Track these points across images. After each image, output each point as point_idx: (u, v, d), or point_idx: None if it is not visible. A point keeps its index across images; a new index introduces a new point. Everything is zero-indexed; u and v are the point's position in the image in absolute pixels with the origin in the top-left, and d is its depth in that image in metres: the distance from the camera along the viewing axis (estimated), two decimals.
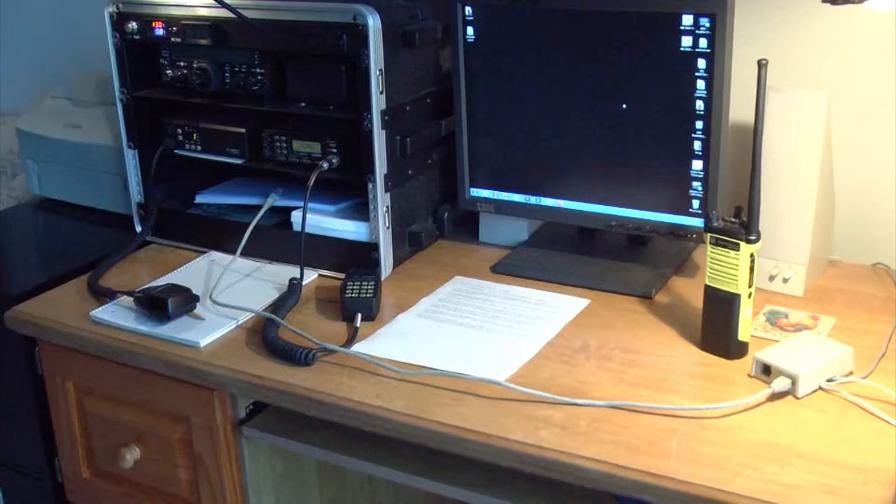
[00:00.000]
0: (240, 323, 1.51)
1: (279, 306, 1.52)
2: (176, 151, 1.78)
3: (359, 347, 1.42)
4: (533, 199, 1.68)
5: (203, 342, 1.46)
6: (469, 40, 1.63)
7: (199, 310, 1.53)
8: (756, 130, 1.33)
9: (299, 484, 1.60)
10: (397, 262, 1.66)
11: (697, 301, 1.42)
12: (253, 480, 1.50)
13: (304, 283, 1.58)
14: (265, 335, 1.44)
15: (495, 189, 1.70)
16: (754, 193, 1.34)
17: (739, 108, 1.53)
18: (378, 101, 1.55)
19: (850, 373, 1.31)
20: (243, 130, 1.71)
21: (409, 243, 1.68)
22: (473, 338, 1.44)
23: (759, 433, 1.20)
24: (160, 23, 1.70)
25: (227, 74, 1.70)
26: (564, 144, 1.62)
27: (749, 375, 1.32)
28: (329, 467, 1.61)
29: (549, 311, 1.50)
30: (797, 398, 1.26)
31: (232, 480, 1.49)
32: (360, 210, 1.65)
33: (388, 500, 1.81)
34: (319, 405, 1.33)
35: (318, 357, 1.39)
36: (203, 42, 1.66)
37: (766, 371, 1.30)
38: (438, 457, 1.30)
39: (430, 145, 1.70)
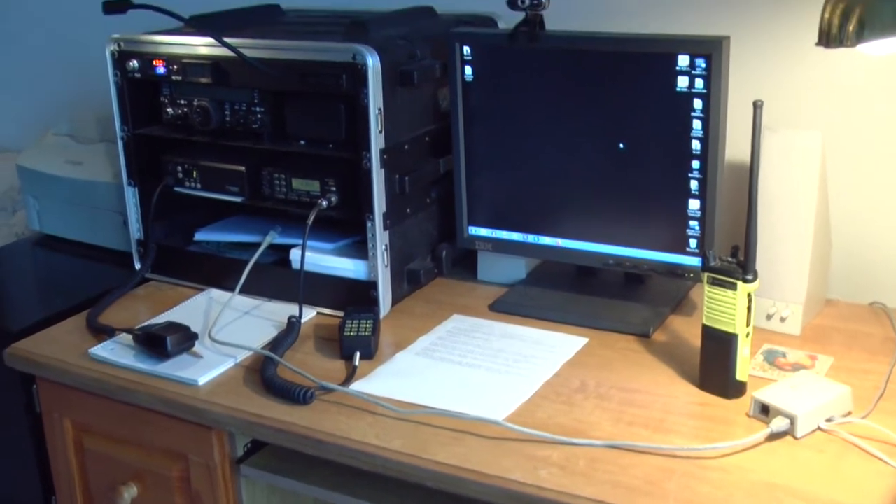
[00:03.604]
0: (238, 361, 1.51)
1: (278, 344, 1.52)
2: (176, 189, 1.79)
3: (357, 386, 1.42)
4: (531, 238, 1.68)
5: (201, 380, 1.46)
6: (467, 79, 1.65)
7: (197, 347, 1.53)
8: (752, 170, 1.34)
9: None
10: (396, 300, 1.66)
11: (695, 340, 1.42)
12: None
13: (302, 321, 1.58)
14: (264, 373, 1.44)
15: (494, 227, 1.71)
16: (751, 233, 1.34)
17: (735, 148, 1.54)
18: (377, 140, 1.56)
19: (849, 413, 1.31)
20: (243, 168, 1.72)
21: (407, 281, 1.69)
22: (472, 377, 1.44)
23: (757, 473, 1.20)
24: (161, 61, 1.71)
25: (227, 112, 1.71)
26: (562, 183, 1.63)
27: (747, 415, 1.32)
28: None
29: (547, 350, 1.51)
30: (796, 438, 1.26)
31: None
32: (359, 248, 1.65)
33: None
34: (318, 444, 1.33)
35: (316, 396, 1.39)
36: (203, 80, 1.67)
37: (765, 411, 1.30)
38: (437, 496, 1.30)
39: (428, 184, 1.70)
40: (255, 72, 1.60)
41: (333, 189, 1.64)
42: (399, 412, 1.34)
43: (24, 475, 1.72)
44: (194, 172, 1.77)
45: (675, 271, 1.57)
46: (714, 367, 1.38)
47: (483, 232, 1.72)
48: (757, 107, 1.31)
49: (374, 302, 1.62)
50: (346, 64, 1.54)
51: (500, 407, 1.34)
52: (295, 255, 1.69)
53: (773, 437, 1.26)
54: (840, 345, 1.50)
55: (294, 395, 1.39)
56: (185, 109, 1.74)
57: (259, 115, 1.68)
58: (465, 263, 1.79)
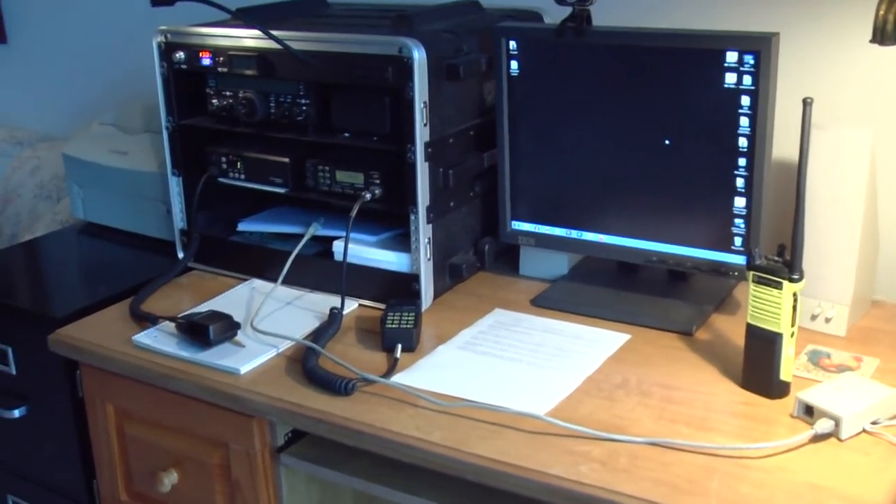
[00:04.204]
0: (280, 351, 1.52)
1: (319, 335, 1.52)
2: (219, 179, 1.80)
3: (398, 378, 1.42)
4: (574, 234, 1.68)
5: (243, 369, 1.47)
6: (513, 74, 1.64)
7: (239, 337, 1.54)
8: (800, 168, 1.32)
9: None
10: (438, 293, 1.66)
11: (738, 339, 1.41)
12: None
13: (344, 312, 1.59)
14: (305, 364, 1.45)
15: (536, 222, 1.70)
16: (798, 231, 1.33)
17: (782, 146, 1.52)
18: (422, 134, 1.56)
19: (895, 416, 1.29)
20: (287, 160, 1.72)
21: (449, 275, 1.69)
22: (513, 371, 1.44)
23: (800, 475, 1.19)
24: (207, 53, 1.72)
25: (271, 104, 1.71)
26: (606, 179, 1.62)
27: (791, 416, 1.31)
28: (366, 497, 1.61)
29: (588, 345, 1.50)
30: (840, 440, 1.25)
31: None
32: (402, 241, 1.65)
33: None
34: (358, 435, 1.33)
35: (357, 387, 1.40)
36: (249, 72, 1.68)
37: (809, 412, 1.29)
38: (476, 490, 1.30)
39: (472, 178, 1.70)
40: (301, 64, 1.61)
41: (377, 181, 1.64)
42: (440, 405, 1.34)
43: (66, 460, 1.75)
44: (238, 163, 1.78)
45: (719, 269, 1.56)
46: (758, 366, 1.36)
47: (526, 227, 1.72)
48: (807, 104, 1.30)
49: (416, 295, 1.62)
50: (393, 57, 1.54)
51: (540, 401, 1.34)
52: (338, 246, 1.69)
53: (818, 438, 1.25)
54: (886, 346, 1.48)
55: (335, 385, 1.39)
56: (231, 101, 1.75)
57: (304, 108, 1.68)
58: (507, 258, 1.79)
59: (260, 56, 1.66)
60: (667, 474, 1.19)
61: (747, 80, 1.46)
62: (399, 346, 1.48)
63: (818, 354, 1.46)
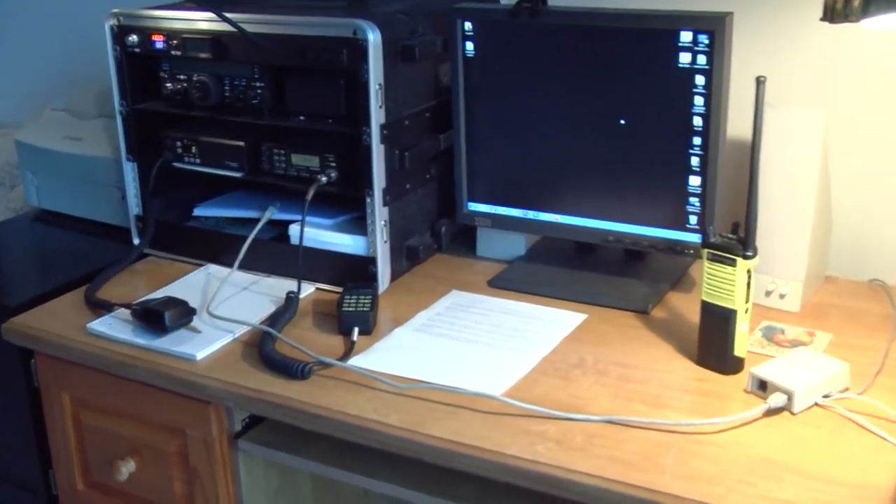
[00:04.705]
0: (237, 336, 1.51)
1: (276, 319, 1.52)
2: (175, 164, 1.78)
3: (355, 361, 1.42)
4: (531, 214, 1.68)
5: (199, 355, 1.46)
6: (468, 55, 1.64)
7: (195, 322, 1.53)
8: (754, 147, 1.33)
9: (294, 497, 1.60)
10: (395, 275, 1.66)
11: (694, 316, 1.42)
12: (248, 494, 1.49)
13: (301, 296, 1.59)
14: (261, 348, 1.44)
15: (493, 203, 1.70)
16: (752, 210, 1.34)
17: (737, 125, 1.53)
18: (377, 116, 1.55)
19: (847, 389, 1.31)
20: (242, 144, 1.71)
21: (406, 257, 1.68)
22: (470, 352, 1.44)
23: (754, 449, 1.20)
24: (160, 36, 1.70)
25: (226, 88, 1.70)
26: (563, 159, 1.62)
27: (745, 391, 1.32)
28: (325, 481, 1.61)
29: (545, 325, 1.51)
30: (793, 414, 1.26)
31: (227, 493, 1.48)
32: (358, 224, 1.65)
33: None
34: (315, 419, 1.33)
35: (314, 371, 1.39)
36: (203, 55, 1.67)
37: (762, 387, 1.30)
38: (435, 471, 1.30)
39: (428, 159, 1.70)
40: (256, 47, 1.59)
41: (333, 164, 1.63)
42: (396, 387, 1.34)
43: (22, 449, 1.72)
44: (193, 148, 1.76)
45: (674, 247, 1.57)
46: (712, 342, 1.37)
47: (482, 208, 1.72)
48: (760, 83, 1.31)
49: (372, 277, 1.61)
50: (347, 39, 1.53)
51: (497, 382, 1.34)
52: (294, 230, 1.68)
53: (771, 412, 1.26)
54: (839, 321, 1.50)
55: (292, 369, 1.39)
56: (185, 85, 1.73)
57: (259, 91, 1.67)
58: (464, 239, 1.79)
59: (214, 39, 1.65)
60: (622, 451, 1.20)
61: (701, 59, 1.47)
62: (356, 330, 1.48)
63: (772, 330, 1.47)
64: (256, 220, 1.70)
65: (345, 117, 1.60)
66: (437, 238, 1.74)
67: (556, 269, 1.68)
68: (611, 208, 1.61)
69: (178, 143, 1.77)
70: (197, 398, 1.44)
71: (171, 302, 1.54)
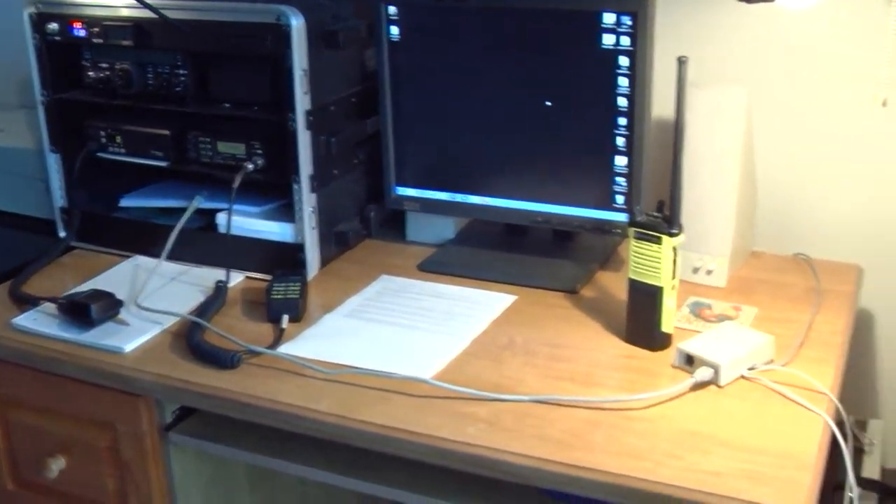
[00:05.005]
0: (165, 327, 1.49)
1: (205, 309, 1.50)
2: (99, 154, 1.75)
3: (285, 349, 1.41)
4: (459, 197, 1.68)
5: (128, 347, 1.44)
6: (393, 39, 1.63)
7: (123, 315, 1.51)
8: (677, 126, 1.35)
9: (228, 488, 1.59)
10: (324, 262, 1.65)
11: (622, 294, 1.43)
12: (181, 486, 1.48)
13: (230, 285, 1.57)
14: (190, 339, 1.43)
15: (421, 187, 1.70)
16: (676, 188, 1.35)
17: (663, 105, 1.54)
18: (302, 102, 1.54)
19: (771, 361, 1.33)
20: (167, 132, 1.69)
21: (335, 243, 1.68)
22: (400, 336, 1.44)
23: (682, 422, 1.21)
24: (81, 23, 1.67)
25: (149, 76, 1.67)
26: (490, 142, 1.63)
27: (672, 366, 1.34)
28: (259, 471, 1.60)
29: (475, 308, 1.51)
30: (719, 387, 1.28)
31: (159, 487, 1.46)
32: (287, 211, 1.63)
33: (319, 501, 1.80)
34: (245, 408, 1.32)
35: (243, 359, 1.38)
36: (125, 43, 1.64)
37: (689, 361, 1.32)
38: (368, 456, 1.29)
39: (355, 145, 1.69)
40: (178, 33, 1.57)
41: (259, 152, 1.62)
42: (326, 373, 1.33)
43: None
44: (118, 137, 1.73)
45: (602, 227, 1.58)
46: (640, 320, 1.39)
47: (411, 192, 1.71)
48: (681, 63, 1.32)
49: (301, 264, 1.60)
50: (271, 25, 1.52)
51: (427, 365, 1.34)
52: (222, 219, 1.67)
53: (697, 386, 1.28)
54: (764, 295, 1.53)
55: (220, 359, 1.37)
56: (107, 73, 1.70)
57: (183, 78, 1.65)
58: (393, 224, 1.79)
59: (136, 26, 1.62)
60: (553, 430, 1.21)
61: (625, 40, 1.48)
62: (285, 317, 1.47)
63: (699, 305, 1.49)
64: (184, 210, 1.68)
65: (270, 104, 1.59)
66: (367, 223, 1.74)
67: (485, 251, 1.69)
68: (539, 190, 1.61)
69: (102, 133, 1.74)
70: (126, 391, 1.42)
71: (98, 295, 1.51)
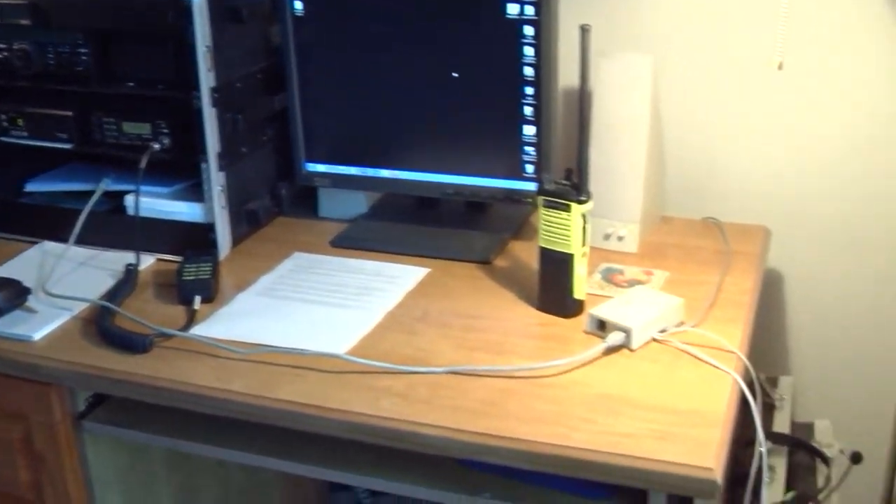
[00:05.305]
0: (75, 313, 1.46)
1: (115, 294, 1.47)
2: (1, 138, 1.70)
3: (197, 330, 1.39)
4: (369, 171, 1.67)
5: (37, 335, 1.40)
6: (297, 14, 1.61)
7: (31, 302, 1.47)
8: (582, 94, 1.35)
9: (147, 475, 1.56)
10: (236, 241, 1.63)
11: (535, 263, 1.44)
12: (97, 475, 1.45)
13: (140, 268, 1.55)
14: (100, 324, 1.40)
15: (331, 163, 1.69)
16: (583, 155, 1.36)
17: (572, 74, 1.54)
18: (207, 79, 1.51)
19: (682, 323, 1.35)
20: (70, 114, 1.65)
21: (246, 222, 1.66)
22: (314, 313, 1.43)
23: (595, 387, 1.23)
24: None
25: (49, 55, 1.63)
26: (399, 115, 1.62)
27: (585, 332, 1.35)
28: (177, 455, 1.58)
29: (388, 281, 1.51)
30: (631, 350, 1.30)
31: (75, 477, 1.44)
32: (196, 191, 1.61)
33: (240, 482, 1.79)
34: (159, 392, 1.30)
35: (155, 343, 1.36)
36: (22, 22, 1.60)
37: (601, 326, 1.33)
38: (287, 435, 1.28)
39: (263, 121, 1.67)
40: (77, 11, 1.54)
41: (165, 131, 1.59)
42: (240, 353, 1.32)
43: None
44: (19, 120, 1.69)
45: (512, 197, 1.59)
46: (552, 287, 1.40)
47: (321, 168, 1.70)
48: (584, 31, 1.33)
49: (212, 244, 1.58)
50: (172, 0, 1.48)
51: (341, 341, 1.34)
52: (130, 201, 1.63)
53: (610, 350, 1.30)
54: (675, 259, 1.55)
55: (132, 343, 1.35)
56: (5, 53, 1.65)
57: (84, 57, 1.61)
58: (305, 201, 1.77)
59: (33, 4, 1.58)
60: (467, 400, 1.21)
61: (529, 10, 1.48)
62: (197, 298, 1.45)
63: (611, 271, 1.51)
64: (92, 193, 1.64)
65: (175, 82, 1.56)
66: (278, 201, 1.72)
67: (398, 225, 1.68)
68: (449, 161, 1.61)
69: (3, 116, 1.69)
70: (37, 381, 1.38)
71: (4, 283, 1.47)
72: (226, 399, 1.26)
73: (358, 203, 1.74)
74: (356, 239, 1.64)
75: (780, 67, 1.45)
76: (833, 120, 1.63)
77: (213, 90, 1.53)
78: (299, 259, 1.60)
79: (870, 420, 1.72)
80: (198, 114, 1.53)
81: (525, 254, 1.58)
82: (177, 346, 1.36)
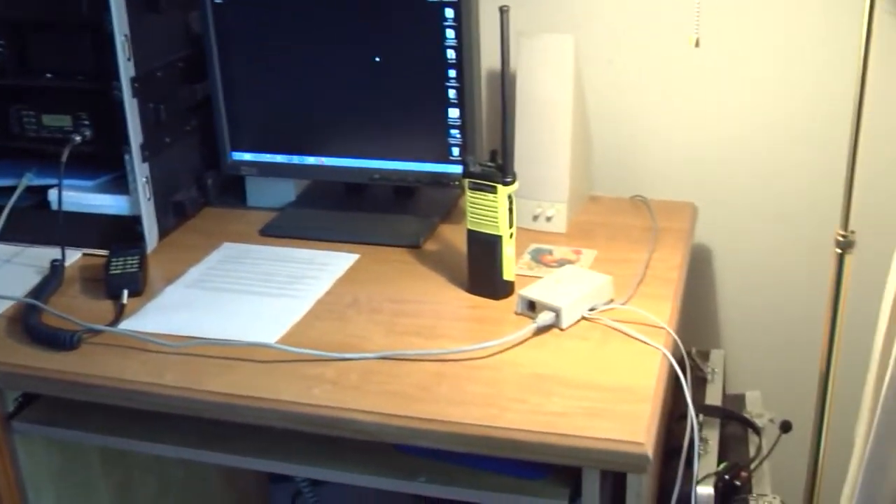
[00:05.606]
0: (0, 312, 1.43)
1: (40, 290, 1.45)
2: None
3: (126, 325, 1.37)
4: (296, 159, 1.66)
5: None
6: (217, 1, 1.59)
7: None
8: (503, 76, 1.36)
9: (82, 474, 1.54)
10: (163, 233, 1.61)
11: (464, 246, 1.44)
12: (30, 477, 1.43)
13: (66, 263, 1.52)
14: (26, 322, 1.38)
15: (257, 151, 1.68)
16: (507, 136, 1.37)
17: (496, 55, 1.55)
18: (126, 69, 1.49)
19: (611, 300, 1.37)
20: None
21: (173, 213, 1.64)
22: (244, 303, 1.42)
23: (526, 367, 1.24)
24: None
25: None
26: (322, 101, 1.61)
27: (516, 313, 1.36)
28: (112, 453, 1.56)
29: (318, 269, 1.50)
30: (562, 329, 1.31)
31: (7, 480, 1.41)
32: (121, 183, 1.59)
33: (178, 477, 1.77)
34: (89, 388, 1.28)
35: (83, 339, 1.34)
36: None
37: (532, 307, 1.34)
38: (219, 427, 1.27)
39: (186, 111, 1.65)
40: None
41: (87, 123, 1.57)
42: (170, 346, 1.31)
43: None
44: None
45: (440, 180, 1.59)
46: (481, 270, 1.41)
47: (247, 156, 1.68)
48: (503, 12, 1.33)
49: (139, 237, 1.56)
50: None
51: (271, 330, 1.33)
52: (53, 195, 1.61)
53: (540, 330, 1.31)
54: (603, 238, 1.56)
55: (59, 340, 1.33)
56: None
57: (0, 49, 1.57)
58: (233, 190, 1.76)
59: None
60: (399, 385, 1.21)
61: None
62: (125, 292, 1.43)
63: (540, 252, 1.52)
64: (14, 189, 1.61)
65: (94, 72, 1.54)
66: (205, 191, 1.70)
67: (326, 212, 1.68)
68: (375, 147, 1.61)
69: None
70: None
71: None
72: (157, 393, 1.25)
73: (286, 191, 1.73)
74: (285, 227, 1.63)
75: (696, 45, 1.46)
76: (753, 94, 1.65)
77: (133, 80, 1.50)
78: (228, 249, 1.59)
79: (798, 389, 1.75)
80: (119, 105, 1.50)
81: (455, 237, 1.58)
82: (106, 341, 1.35)
